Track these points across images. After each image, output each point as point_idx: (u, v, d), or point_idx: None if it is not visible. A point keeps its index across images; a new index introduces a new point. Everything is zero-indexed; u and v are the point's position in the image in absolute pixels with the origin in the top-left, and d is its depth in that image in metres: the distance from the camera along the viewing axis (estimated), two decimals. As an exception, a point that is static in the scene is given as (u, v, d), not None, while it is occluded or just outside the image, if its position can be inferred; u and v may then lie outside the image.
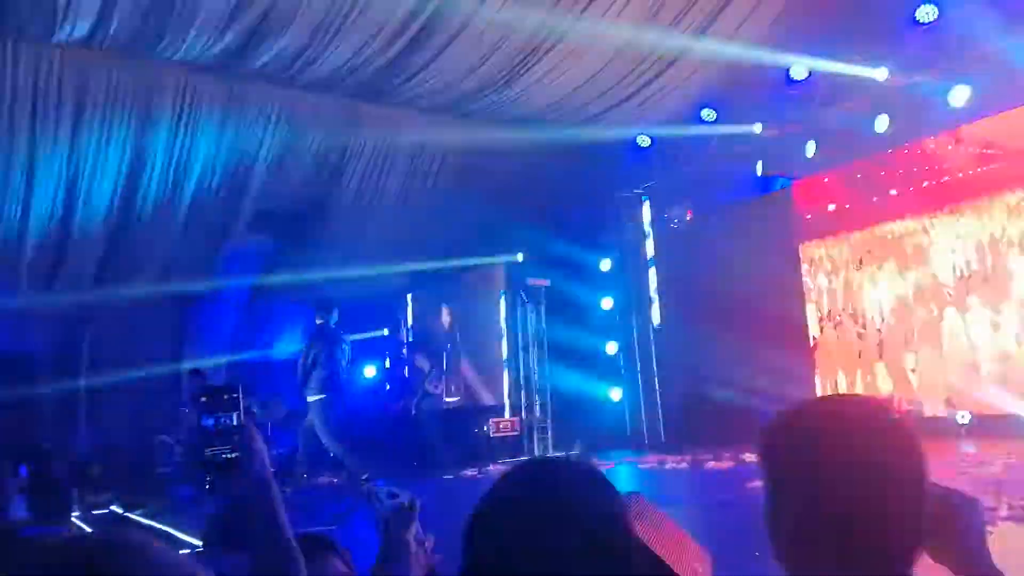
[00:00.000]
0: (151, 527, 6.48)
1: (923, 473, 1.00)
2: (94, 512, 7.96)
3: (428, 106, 9.86)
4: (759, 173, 9.84)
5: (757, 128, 9.49)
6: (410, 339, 12.97)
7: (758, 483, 4.14)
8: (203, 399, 1.27)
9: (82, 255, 10.12)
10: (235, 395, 1.27)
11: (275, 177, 10.25)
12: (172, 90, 8.74)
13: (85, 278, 10.62)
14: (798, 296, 9.34)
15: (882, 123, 8.37)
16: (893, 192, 8.52)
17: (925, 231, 8.31)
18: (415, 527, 1.35)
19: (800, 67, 8.97)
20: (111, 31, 7.54)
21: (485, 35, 8.30)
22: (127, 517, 7.42)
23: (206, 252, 10.90)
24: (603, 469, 6.42)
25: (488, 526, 0.87)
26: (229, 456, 1.23)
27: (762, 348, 9.02)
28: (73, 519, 7.79)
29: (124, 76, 8.42)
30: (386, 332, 13.20)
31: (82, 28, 7.46)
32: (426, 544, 1.35)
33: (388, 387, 13.02)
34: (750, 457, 7.01)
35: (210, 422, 1.25)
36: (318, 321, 9.00)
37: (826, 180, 9.26)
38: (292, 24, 7.70)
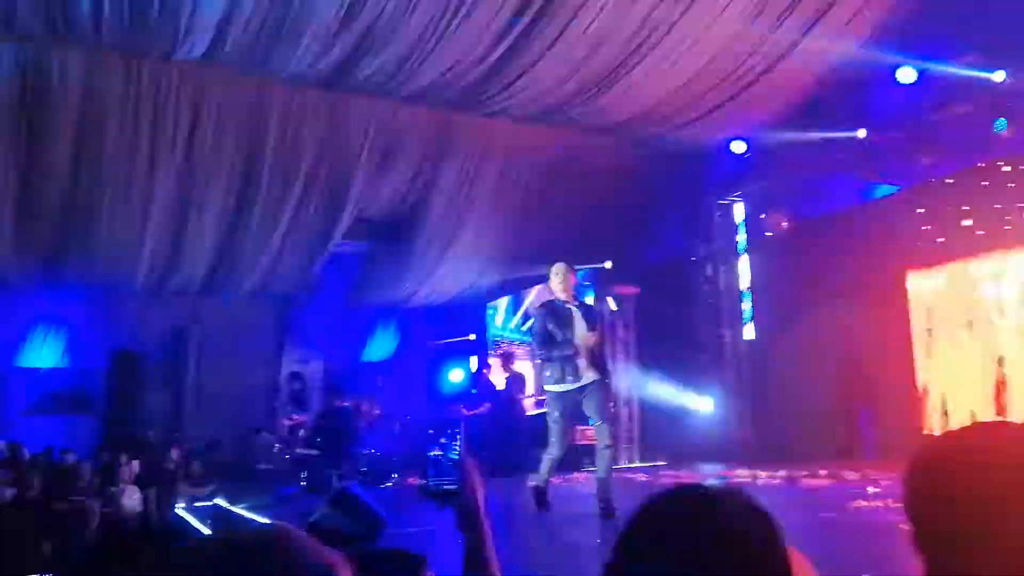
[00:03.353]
0: (252, 520, 6.72)
1: None
2: (197, 504, 8.33)
3: (520, 115, 9.92)
4: (864, 180, 9.45)
5: (861, 133, 9.10)
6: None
7: (861, 502, 3.97)
8: (430, 431, 1.42)
9: (192, 261, 10.67)
10: (457, 431, 1.40)
11: (372, 186, 10.55)
12: (280, 104, 9.12)
13: (194, 283, 11.19)
14: (902, 310, 8.87)
15: (1001, 128, 7.90)
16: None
17: None
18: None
19: (908, 69, 8.57)
20: (226, 48, 7.93)
21: (580, 43, 8.29)
22: (230, 510, 7.73)
23: (306, 257, 11.30)
24: (693, 481, 6.26)
25: (641, 553, 0.84)
26: (450, 488, 1.35)
27: (860, 363, 8.65)
28: (179, 509, 8.25)
29: (236, 91, 8.85)
30: (473, 337, 13.34)
31: (200, 46, 7.87)
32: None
33: (475, 391, 13.16)
34: (850, 474, 6.73)
35: (436, 453, 1.39)
36: None
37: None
38: (394, 37, 7.90)
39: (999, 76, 7.79)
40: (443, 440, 1.35)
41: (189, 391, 11.67)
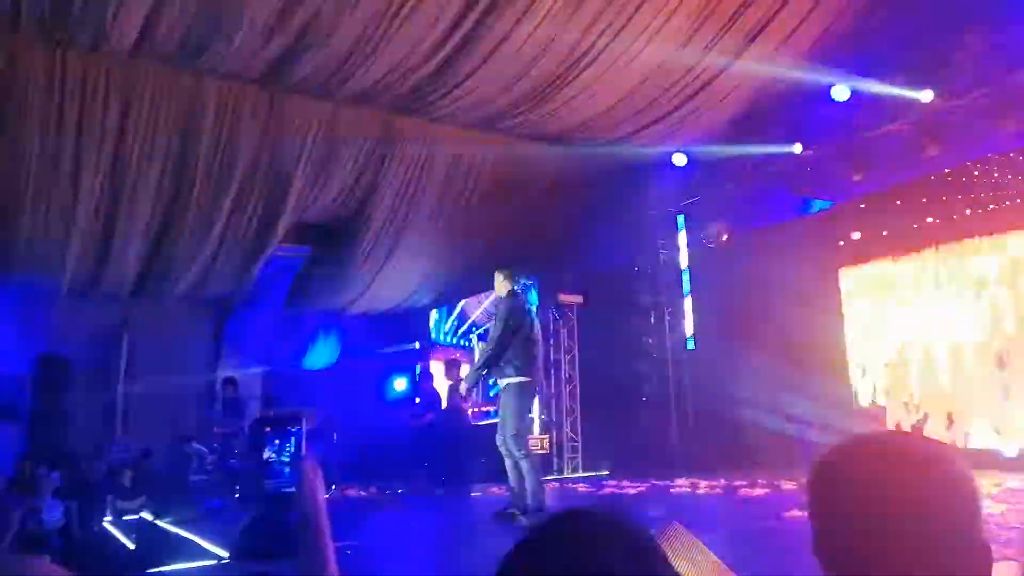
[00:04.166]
0: (178, 535, 6.52)
1: (977, 503, 1.00)
2: (125, 518, 8.04)
3: (464, 121, 9.88)
4: (799, 195, 9.69)
5: (797, 148, 9.33)
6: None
7: (796, 512, 4.04)
8: (266, 429, 1.27)
9: (122, 264, 10.32)
10: (298, 427, 1.26)
11: (312, 189, 10.36)
12: (214, 102, 8.88)
13: (125, 285, 10.82)
14: (838, 321, 9.13)
15: (927, 146, 8.18)
16: (930, 219, 8.30)
17: (976, 250, 8.05)
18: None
19: (842, 87, 8.83)
20: (156, 41, 7.68)
21: (522, 52, 8.30)
22: (156, 524, 7.48)
23: (243, 262, 11.04)
24: (634, 492, 6.30)
25: None
26: (286, 490, 1.23)
27: (799, 373, 8.84)
28: (105, 523, 7.93)
29: (168, 87, 8.57)
30: (417, 345, 13.22)
31: (129, 38, 7.60)
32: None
33: (418, 400, 13.05)
34: (787, 484, 6.84)
35: (271, 453, 1.24)
36: None
37: (863, 205, 9.05)
38: (333, 37, 7.78)
39: (927, 96, 8.07)
40: (280, 442, 1.24)
41: (119, 399, 11.27)
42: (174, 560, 5.30)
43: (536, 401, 11.05)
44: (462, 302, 12.67)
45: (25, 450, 9.88)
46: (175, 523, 7.08)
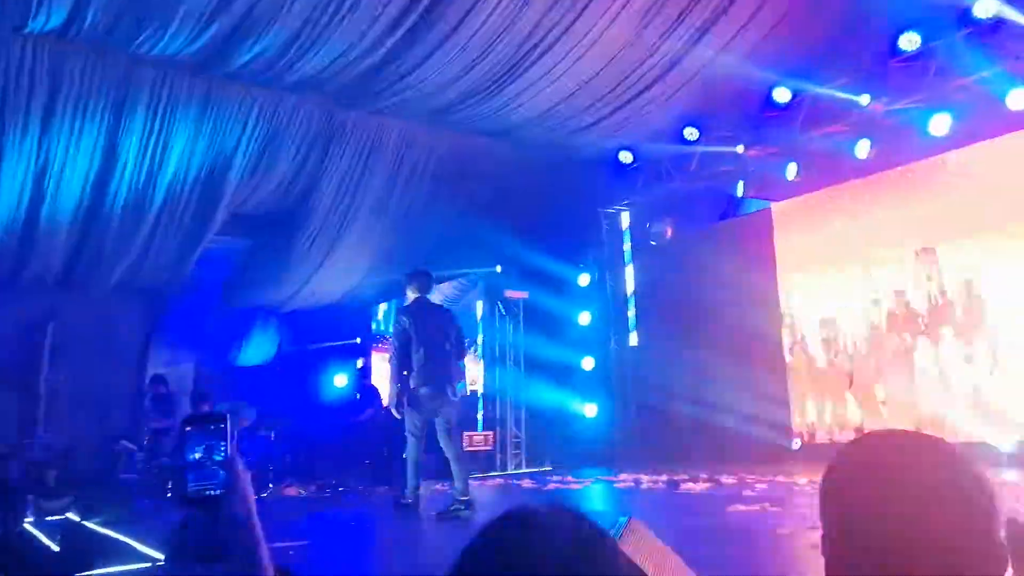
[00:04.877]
0: (107, 536, 6.23)
1: (993, 502, 0.99)
2: (48, 519, 7.65)
3: (410, 113, 9.75)
4: (740, 194, 9.87)
5: (739, 148, 9.51)
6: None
7: (739, 507, 4.07)
8: (188, 428, 1.15)
9: (48, 251, 9.85)
10: (223, 425, 1.14)
11: (251, 179, 10.07)
12: (148, 86, 8.54)
13: (50, 274, 10.33)
14: (775, 318, 9.35)
15: (863, 148, 8.43)
16: (870, 219, 8.56)
17: (901, 259, 8.35)
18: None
19: (783, 90, 9.03)
20: (87, 23, 7.34)
21: (472, 44, 8.23)
22: (83, 525, 7.14)
23: (178, 253, 10.66)
24: (578, 487, 6.31)
25: None
26: (212, 492, 1.11)
27: (738, 368, 9.02)
28: (26, 524, 7.54)
29: (98, 69, 8.21)
30: (359, 340, 13.01)
31: (57, 18, 7.25)
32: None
33: (359, 396, 12.84)
34: (727, 479, 6.97)
35: (195, 454, 1.13)
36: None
37: (803, 204, 9.28)
38: (275, 23, 7.56)
39: (864, 99, 8.31)
40: (206, 442, 1.14)
41: (44, 393, 10.73)
42: (105, 563, 5.05)
43: (480, 396, 11.02)
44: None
45: (-63, 448, 9.34)
46: (104, 524, 6.75)
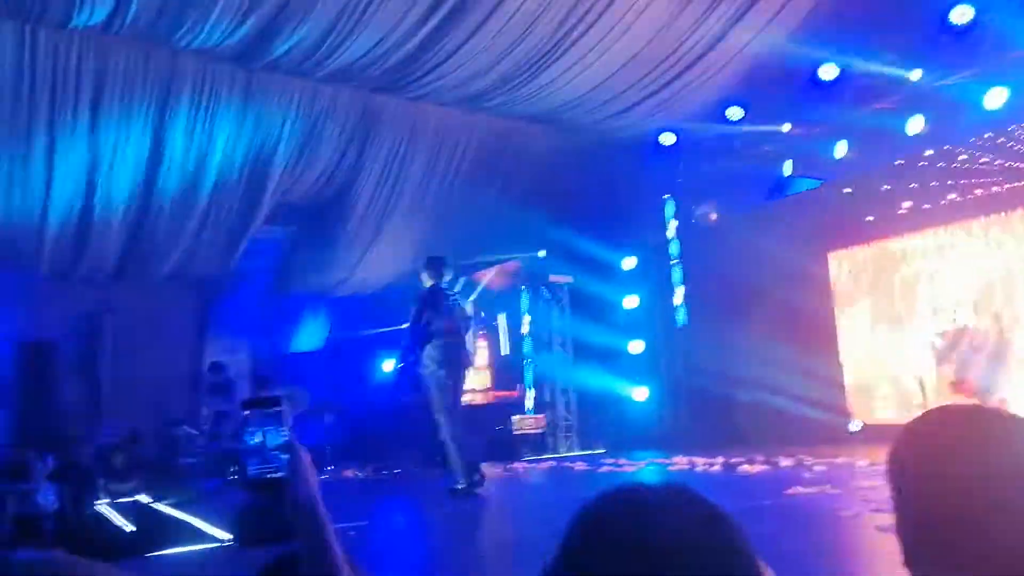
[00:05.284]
0: (176, 518, 6.49)
1: None
2: (119, 501, 7.98)
3: (449, 100, 9.78)
4: (787, 173, 9.74)
5: (785, 127, 9.38)
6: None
7: (799, 489, 4.05)
8: (246, 411, 1.20)
9: (102, 244, 10.15)
10: (279, 408, 1.19)
11: (295, 169, 10.24)
12: (191, 78, 8.69)
13: (105, 267, 10.66)
14: (826, 298, 9.21)
15: (915, 125, 8.26)
16: (909, 203, 8.33)
17: (950, 245, 8.10)
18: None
19: (830, 67, 8.86)
20: (129, 17, 7.48)
21: (508, 28, 8.20)
22: (153, 507, 7.44)
23: (226, 243, 10.91)
24: (632, 469, 6.32)
25: (582, 568, 0.76)
26: (275, 476, 1.16)
27: (791, 349, 8.91)
28: (99, 506, 7.88)
29: (142, 63, 8.35)
30: (406, 326, 13.16)
31: (100, 13, 7.40)
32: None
33: (402, 379, 13.00)
34: (785, 461, 6.92)
35: (255, 438, 1.18)
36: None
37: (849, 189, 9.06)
38: (312, 13, 7.63)
39: (916, 74, 8.13)
40: (263, 425, 1.18)
41: (105, 382, 11.13)
42: (176, 543, 5.27)
43: (529, 380, 11.10)
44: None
45: (12, 436, 9.77)
46: (172, 505, 7.04)
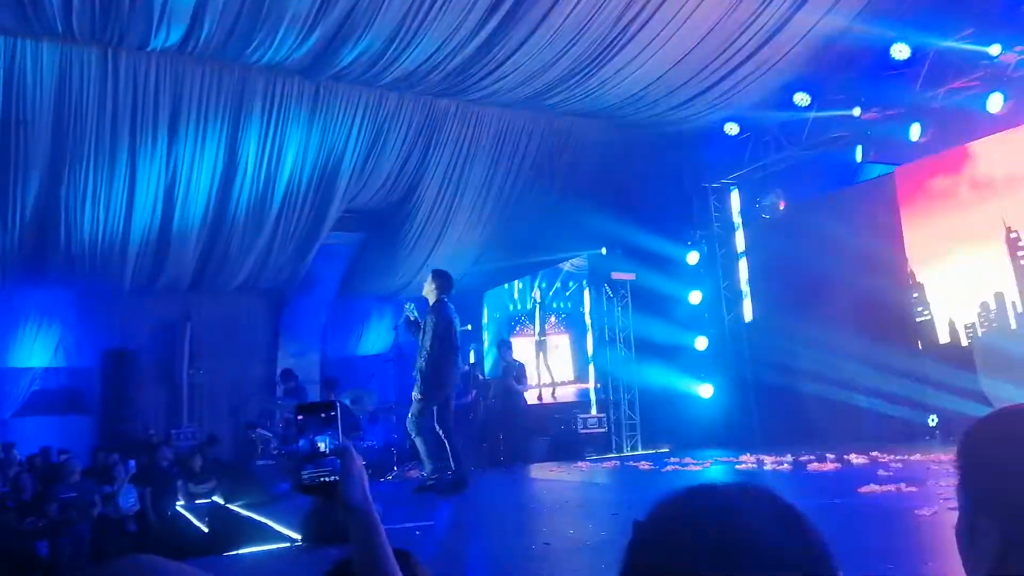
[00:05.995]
0: (249, 519, 6.66)
1: None
2: (197, 502, 8.25)
3: (509, 101, 9.81)
4: (859, 159, 9.36)
5: (856, 111, 9.00)
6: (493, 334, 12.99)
7: (873, 487, 3.84)
8: (299, 418, 1.20)
9: (180, 257, 10.57)
10: (333, 412, 1.18)
11: (361, 175, 10.45)
12: (261, 93, 9.01)
13: (184, 279, 11.08)
14: (903, 289, 8.79)
15: (995, 103, 7.81)
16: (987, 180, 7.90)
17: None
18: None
19: (901, 46, 8.45)
20: (203, 36, 7.80)
21: (565, 26, 8.15)
22: (227, 508, 7.66)
23: (296, 251, 11.20)
24: (698, 468, 6.15)
25: (655, 570, 0.75)
26: (327, 480, 1.14)
27: (864, 342, 8.56)
28: (179, 508, 8.17)
29: (216, 81, 8.72)
30: (469, 327, 13.24)
31: (176, 34, 7.73)
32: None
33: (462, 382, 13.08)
34: (858, 459, 6.65)
35: (306, 443, 1.17)
36: None
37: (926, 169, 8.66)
38: (375, 23, 7.77)
39: (995, 50, 7.68)
40: (318, 429, 1.17)
41: (184, 388, 11.58)
42: (249, 543, 5.41)
43: (592, 378, 11.00)
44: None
45: (97, 440, 10.26)
46: (246, 507, 7.23)
